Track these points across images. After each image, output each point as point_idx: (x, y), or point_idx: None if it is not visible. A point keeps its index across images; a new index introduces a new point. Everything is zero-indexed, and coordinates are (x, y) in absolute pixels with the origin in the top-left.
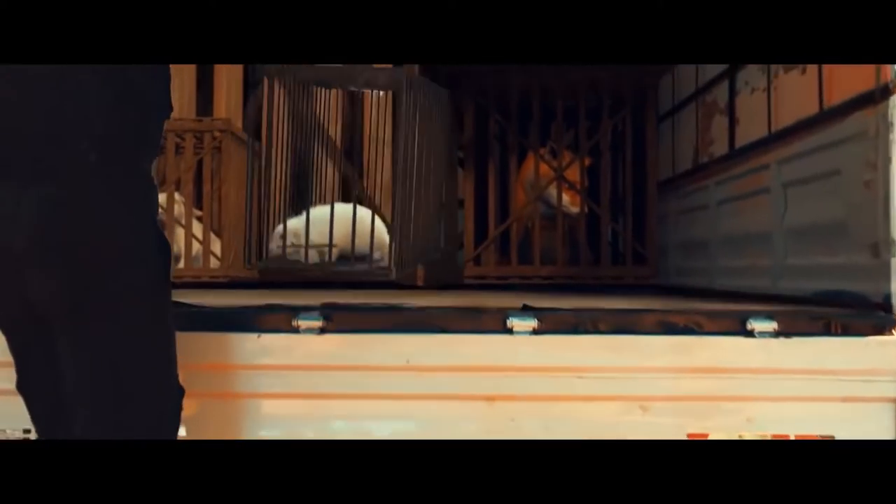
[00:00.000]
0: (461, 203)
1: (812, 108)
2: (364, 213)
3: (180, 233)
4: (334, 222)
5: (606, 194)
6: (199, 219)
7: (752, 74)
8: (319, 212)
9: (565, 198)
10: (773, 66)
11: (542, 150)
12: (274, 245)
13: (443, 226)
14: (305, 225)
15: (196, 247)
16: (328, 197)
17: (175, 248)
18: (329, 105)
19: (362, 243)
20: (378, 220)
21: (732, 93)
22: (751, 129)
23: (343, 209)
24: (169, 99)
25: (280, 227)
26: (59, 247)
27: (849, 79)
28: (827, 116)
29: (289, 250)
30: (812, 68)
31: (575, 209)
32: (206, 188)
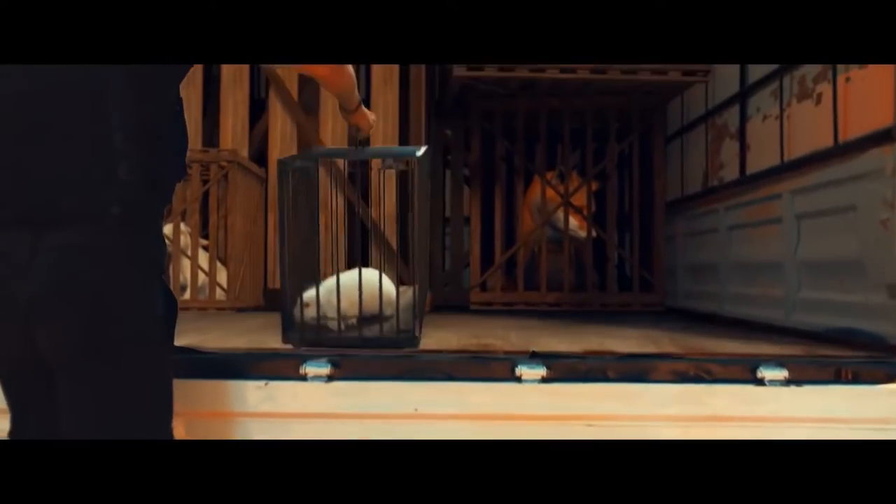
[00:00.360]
0: (467, 220)
1: (826, 141)
2: (386, 281)
3: (187, 263)
4: (354, 289)
5: (613, 219)
6: (206, 248)
7: (763, 101)
8: (345, 279)
9: (573, 222)
10: (786, 95)
11: (549, 174)
12: (306, 315)
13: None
14: (336, 294)
15: (202, 277)
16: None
17: (181, 279)
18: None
19: (382, 306)
20: (390, 283)
21: (743, 118)
22: (762, 157)
23: (366, 275)
24: (185, 164)
25: (307, 296)
26: (70, 297)
27: (865, 114)
28: (842, 151)
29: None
30: (826, 100)
31: (582, 233)
32: (213, 218)
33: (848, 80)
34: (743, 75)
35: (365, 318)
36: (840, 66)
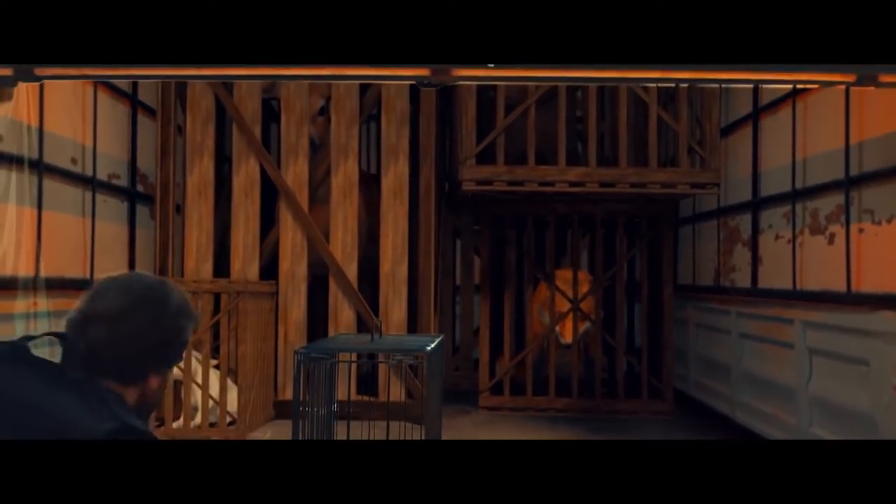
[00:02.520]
0: (477, 289)
1: (839, 284)
2: None
3: (198, 390)
4: None
5: (623, 322)
6: (217, 366)
7: (775, 220)
8: None
9: (556, 329)
10: (798, 223)
11: (560, 273)
12: None
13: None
14: None
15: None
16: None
17: (192, 401)
18: None
19: None
20: None
21: (756, 230)
22: (774, 275)
23: None
24: None
25: None
26: None
27: (878, 270)
28: (854, 300)
29: None
30: (839, 242)
31: (567, 340)
32: (224, 349)
33: (861, 231)
34: (755, 186)
35: None
36: (853, 214)
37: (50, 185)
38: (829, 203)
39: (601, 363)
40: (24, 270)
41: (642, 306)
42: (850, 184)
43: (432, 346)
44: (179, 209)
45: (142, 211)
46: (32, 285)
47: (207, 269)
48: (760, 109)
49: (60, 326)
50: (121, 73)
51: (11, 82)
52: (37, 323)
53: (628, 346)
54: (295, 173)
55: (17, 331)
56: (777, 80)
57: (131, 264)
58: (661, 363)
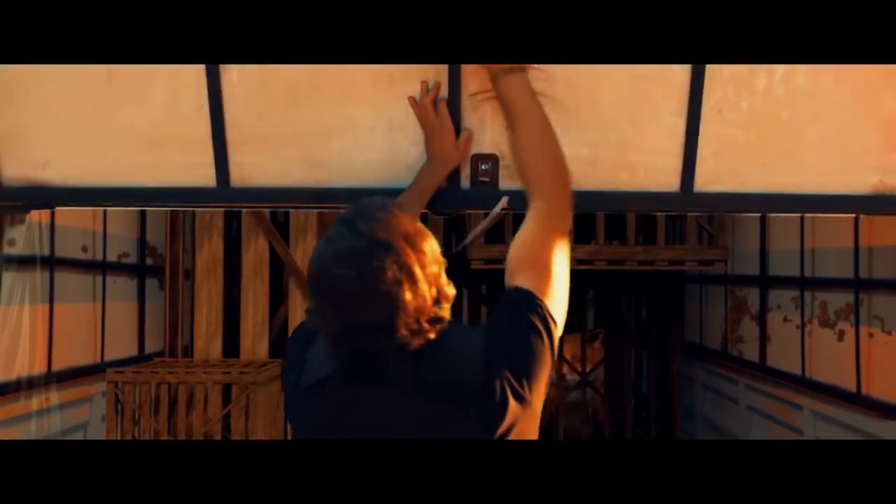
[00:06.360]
0: None
1: (849, 382)
2: None
3: None
4: None
5: (630, 396)
6: None
7: (784, 302)
8: None
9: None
10: (807, 311)
11: (567, 337)
12: None
13: None
14: None
15: None
16: None
17: None
18: None
19: None
20: None
21: (764, 307)
22: (782, 356)
23: None
24: None
25: None
26: None
27: (888, 379)
28: (865, 403)
29: None
30: (849, 341)
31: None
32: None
33: (871, 335)
34: (763, 263)
35: None
36: (862, 317)
37: (62, 277)
38: (838, 299)
39: (608, 421)
40: (38, 367)
41: (651, 379)
42: (859, 285)
43: None
44: (188, 274)
45: (151, 283)
46: (45, 381)
47: (217, 346)
48: None
49: (70, 419)
50: (132, 206)
51: (24, 210)
52: (49, 418)
53: (637, 404)
54: (304, 251)
55: (32, 429)
56: (784, 214)
57: (141, 341)
58: (671, 432)
